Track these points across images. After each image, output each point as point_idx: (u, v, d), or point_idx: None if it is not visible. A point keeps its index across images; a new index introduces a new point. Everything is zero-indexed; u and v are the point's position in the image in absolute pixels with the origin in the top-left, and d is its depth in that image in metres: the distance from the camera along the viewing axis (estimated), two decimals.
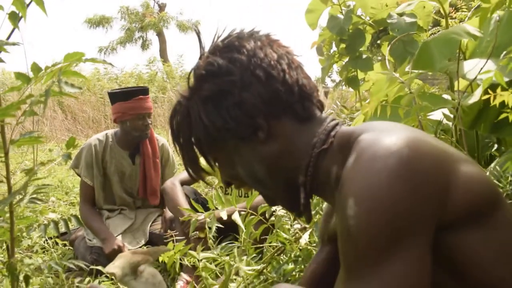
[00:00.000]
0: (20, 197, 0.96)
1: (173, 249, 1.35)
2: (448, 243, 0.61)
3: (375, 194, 0.56)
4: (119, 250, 2.25)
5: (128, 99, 2.40)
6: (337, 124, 0.76)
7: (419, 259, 0.56)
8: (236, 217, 1.30)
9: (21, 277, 0.88)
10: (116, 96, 2.48)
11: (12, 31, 0.91)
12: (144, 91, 2.50)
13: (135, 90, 2.50)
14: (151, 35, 16.91)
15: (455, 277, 0.62)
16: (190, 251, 1.33)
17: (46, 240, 2.54)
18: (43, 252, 2.49)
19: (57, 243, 2.57)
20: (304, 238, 1.23)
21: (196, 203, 2.22)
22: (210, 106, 0.74)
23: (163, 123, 7.38)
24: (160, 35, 16.51)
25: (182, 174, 2.51)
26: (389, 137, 0.61)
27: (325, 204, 1.11)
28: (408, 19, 2.32)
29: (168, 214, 2.56)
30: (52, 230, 0.98)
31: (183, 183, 2.42)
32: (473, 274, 0.61)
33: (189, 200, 2.33)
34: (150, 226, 2.56)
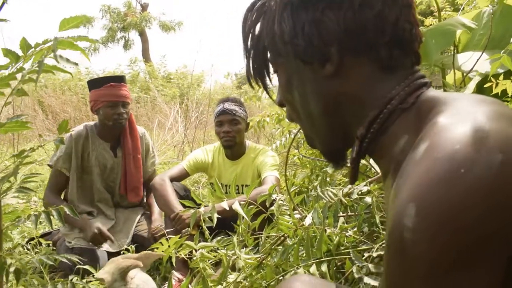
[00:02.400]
0: (7, 186, 0.90)
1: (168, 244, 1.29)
2: None
3: (446, 208, 0.43)
4: (100, 233, 2.21)
5: (100, 86, 2.34)
6: (424, 85, 0.62)
7: None
8: (237, 207, 1.25)
9: (11, 272, 0.82)
10: (90, 84, 2.42)
11: (2, 5, 0.84)
12: (116, 78, 2.41)
13: (106, 77, 2.42)
14: (134, 35, 16.74)
15: None
16: (187, 242, 1.28)
17: (28, 242, 2.44)
18: (26, 253, 2.39)
19: (40, 244, 2.48)
20: (308, 219, 1.19)
21: (187, 199, 2.17)
22: (288, 14, 0.63)
23: (147, 121, 7.26)
24: (142, 35, 16.34)
25: (171, 170, 2.45)
26: (479, 131, 0.46)
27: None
28: None
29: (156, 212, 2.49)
30: (44, 221, 0.91)
31: (172, 179, 2.36)
32: None
33: (179, 197, 2.27)
34: (135, 227, 2.48)
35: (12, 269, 0.76)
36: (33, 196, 3.44)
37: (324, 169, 2.34)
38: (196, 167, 2.52)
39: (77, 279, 1.96)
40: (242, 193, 2.08)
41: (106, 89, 2.33)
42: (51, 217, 1.06)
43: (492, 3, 2.06)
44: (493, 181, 0.43)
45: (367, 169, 1.93)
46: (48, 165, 2.48)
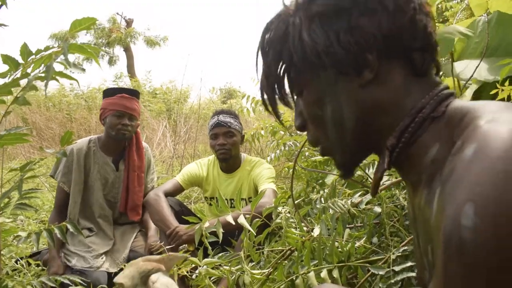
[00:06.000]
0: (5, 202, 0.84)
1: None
2: None
3: (506, 206, 0.42)
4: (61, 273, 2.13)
5: (112, 95, 2.35)
6: (451, 95, 0.62)
7: None
8: (242, 221, 1.20)
9: None
10: (104, 93, 2.43)
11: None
12: (130, 91, 2.43)
13: (121, 88, 2.44)
14: (118, 51, 16.67)
15: None
16: (191, 258, 1.23)
17: (17, 261, 2.34)
18: (15, 274, 2.29)
19: (29, 264, 2.38)
20: (316, 230, 1.15)
21: (182, 215, 2.11)
22: (317, 25, 0.62)
23: None
24: (127, 50, 16.28)
25: (165, 185, 2.39)
26: None
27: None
28: None
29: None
30: (47, 239, 0.85)
31: (167, 194, 2.30)
32: None
33: (174, 212, 2.21)
34: (132, 243, 2.41)
35: None
36: (19, 215, 3.33)
37: (320, 181, 2.31)
38: (190, 181, 2.46)
39: None
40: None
41: (117, 99, 2.34)
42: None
43: (485, 12, 2.07)
44: None
45: (364, 179, 1.91)
46: (50, 175, 2.44)
